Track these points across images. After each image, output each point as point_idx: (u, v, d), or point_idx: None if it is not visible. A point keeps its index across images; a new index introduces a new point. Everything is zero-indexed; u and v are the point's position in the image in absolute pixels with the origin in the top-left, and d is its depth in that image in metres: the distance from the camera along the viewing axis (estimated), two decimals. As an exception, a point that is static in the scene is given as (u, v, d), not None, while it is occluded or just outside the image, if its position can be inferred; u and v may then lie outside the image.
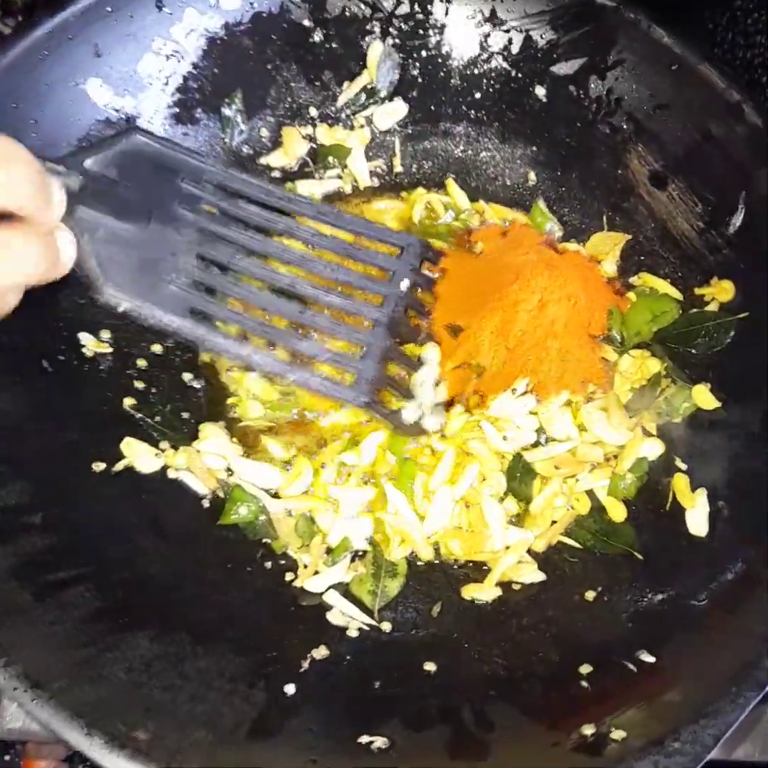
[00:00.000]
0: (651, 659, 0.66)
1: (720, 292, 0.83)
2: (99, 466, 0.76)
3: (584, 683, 0.66)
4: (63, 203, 0.57)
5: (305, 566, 0.77)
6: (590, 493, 0.81)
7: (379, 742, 0.61)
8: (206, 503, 0.80)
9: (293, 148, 0.97)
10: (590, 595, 0.74)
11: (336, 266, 0.79)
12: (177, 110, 0.92)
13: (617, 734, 0.59)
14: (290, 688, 0.66)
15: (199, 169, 0.74)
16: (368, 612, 0.75)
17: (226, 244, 0.75)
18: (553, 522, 0.80)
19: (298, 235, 0.79)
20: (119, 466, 0.77)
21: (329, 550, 0.78)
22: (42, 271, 0.54)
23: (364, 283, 0.81)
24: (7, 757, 0.89)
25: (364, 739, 0.62)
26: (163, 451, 0.80)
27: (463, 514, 0.80)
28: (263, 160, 0.97)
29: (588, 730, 0.60)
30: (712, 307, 0.84)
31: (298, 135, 0.97)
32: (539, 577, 0.77)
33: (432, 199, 0.96)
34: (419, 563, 0.79)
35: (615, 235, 0.92)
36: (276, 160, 0.97)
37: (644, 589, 0.73)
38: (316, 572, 0.77)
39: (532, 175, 0.97)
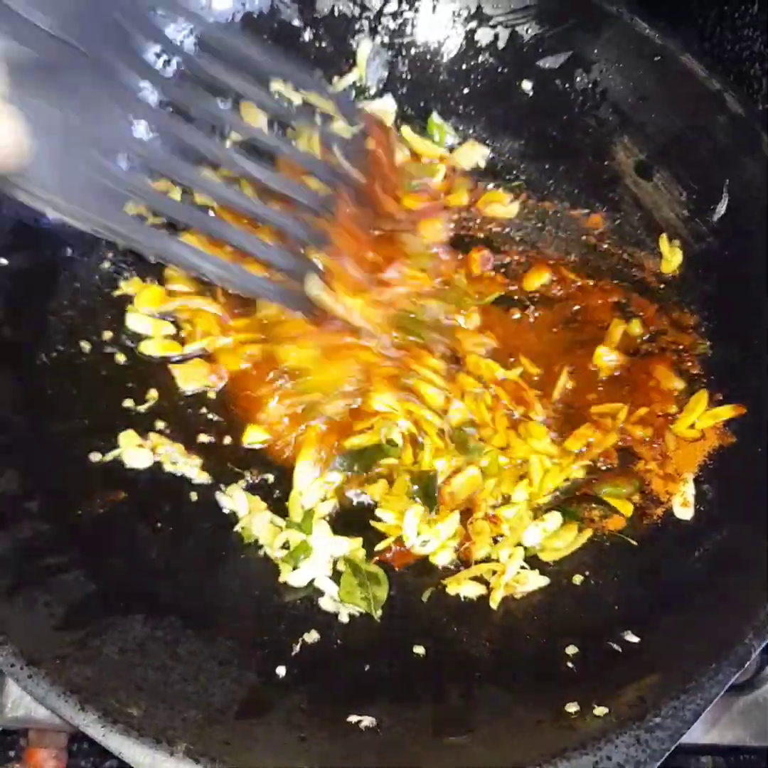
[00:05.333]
0: (635, 640, 0.67)
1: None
2: (95, 457, 0.78)
3: (570, 664, 0.67)
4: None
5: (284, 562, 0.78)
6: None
7: (367, 721, 0.63)
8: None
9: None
10: (578, 579, 0.75)
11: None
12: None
13: (600, 711, 0.60)
14: (281, 670, 0.67)
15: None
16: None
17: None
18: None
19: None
20: (109, 457, 0.78)
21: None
22: None
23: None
24: (12, 749, 0.91)
25: (353, 718, 0.63)
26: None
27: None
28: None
29: (572, 708, 0.61)
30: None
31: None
32: (543, 581, 0.75)
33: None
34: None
35: (480, 148, 0.96)
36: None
37: (630, 572, 0.74)
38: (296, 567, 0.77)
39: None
